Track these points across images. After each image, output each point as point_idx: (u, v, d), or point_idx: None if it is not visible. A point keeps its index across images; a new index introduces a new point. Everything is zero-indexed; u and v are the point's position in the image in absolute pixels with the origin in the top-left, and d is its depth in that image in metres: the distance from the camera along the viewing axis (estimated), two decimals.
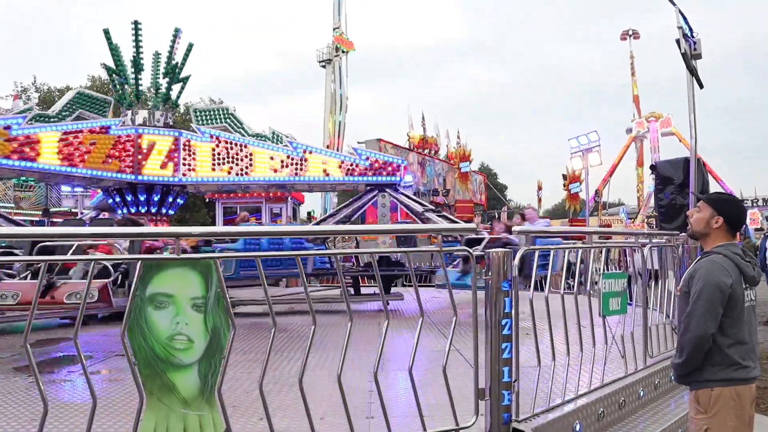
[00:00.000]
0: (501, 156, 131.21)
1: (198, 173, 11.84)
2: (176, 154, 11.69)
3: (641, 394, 4.69)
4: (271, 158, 11.84)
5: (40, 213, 23.10)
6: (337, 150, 32.21)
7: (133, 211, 11.80)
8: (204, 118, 13.37)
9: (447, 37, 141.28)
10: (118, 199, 11.97)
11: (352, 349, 3.09)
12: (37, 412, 3.46)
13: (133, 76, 12.29)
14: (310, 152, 11.97)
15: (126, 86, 12.26)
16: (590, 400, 4.06)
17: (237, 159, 11.83)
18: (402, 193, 12.20)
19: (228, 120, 13.32)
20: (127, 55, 12.33)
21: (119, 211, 11.91)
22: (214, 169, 11.82)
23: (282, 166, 11.80)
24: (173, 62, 12.68)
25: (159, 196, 11.95)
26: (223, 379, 2.74)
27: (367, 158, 11.90)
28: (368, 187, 12.11)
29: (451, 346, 3.30)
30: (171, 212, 12.61)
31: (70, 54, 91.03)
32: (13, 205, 24.03)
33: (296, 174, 11.82)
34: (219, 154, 11.84)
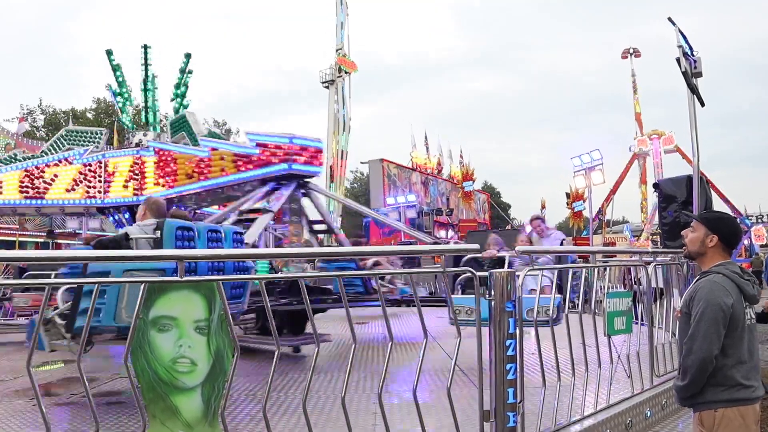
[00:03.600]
0: (501, 170, 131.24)
1: (147, 190, 11.04)
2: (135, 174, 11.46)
3: (648, 414, 4.65)
4: (188, 162, 10.39)
5: (45, 234, 23.16)
6: (341, 174, 32.31)
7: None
8: (174, 130, 13.19)
9: (445, 53, 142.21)
10: (117, 217, 12.06)
11: (356, 371, 3.08)
12: None
13: (135, 97, 12.47)
14: (215, 149, 10.02)
15: (130, 108, 12.44)
16: (597, 421, 4.03)
17: (169, 171, 10.82)
18: (315, 189, 9.36)
19: (185, 128, 12.49)
20: (131, 77, 12.55)
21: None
22: (158, 184, 10.97)
23: (196, 171, 10.30)
24: (183, 87, 12.90)
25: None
26: (227, 403, 2.73)
27: (259, 144, 9.19)
28: (275, 183, 9.03)
29: (455, 367, 3.28)
30: None
31: (75, 76, 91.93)
32: (17, 227, 24.12)
33: (205, 177, 9.97)
34: (160, 167, 10.99)
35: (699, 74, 7.35)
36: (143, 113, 12.58)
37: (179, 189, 10.53)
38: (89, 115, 41.07)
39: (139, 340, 2.61)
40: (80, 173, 11.36)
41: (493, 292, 3.24)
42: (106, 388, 5.78)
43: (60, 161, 11.46)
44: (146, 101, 12.59)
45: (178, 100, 12.98)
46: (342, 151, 34.77)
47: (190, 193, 10.67)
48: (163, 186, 10.86)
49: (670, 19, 7.44)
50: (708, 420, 2.87)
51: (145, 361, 2.62)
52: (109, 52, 12.42)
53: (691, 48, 7.37)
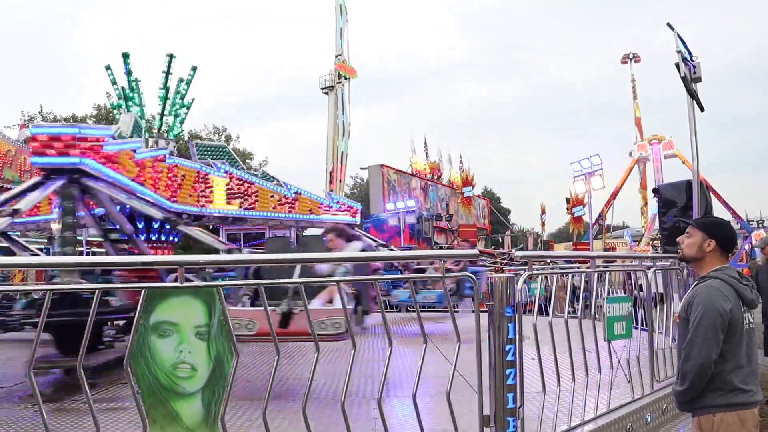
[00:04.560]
0: (501, 172, 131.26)
1: (215, 205, 12.40)
2: (197, 186, 12.08)
3: (649, 419, 4.64)
4: (272, 196, 13.16)
5: (46, 240, 23.13)
6: (340, 178, 32.55)
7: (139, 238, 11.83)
8: (204, 152, 13.70)
9: (444, 54, 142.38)
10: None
11: (355, 376, 3.09)
12: None
13: (135, 104, 12.50)
14: (299, 194, 13.73)
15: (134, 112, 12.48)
16: (597, 426, 4.03)
17: (246, 194, 12.71)
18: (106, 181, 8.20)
19: (225, 157, 14.22)
20: (129, 81, 12.60)
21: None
22: (229, 202, 12.52)
23: (279, 204, 13.25)
24: (186, 96, 13.00)
25: (158, 224, 12.02)
26: (227, 408, 2.74)
27: (338, 202, 14.28)
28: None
29: (455, 372, 3.29)
30: (175, 240, 12.69)
31: (75, 77, 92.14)
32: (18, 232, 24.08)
33: (290, 211, 13.43)
34: (231, 188, 12.59)
35: (698, 79, 7.38)
36: (159, 121, 12.65)
37: (260, 213, 12.82)
38: (90, 122, 41.13)
39: (140, 345, 2.62)
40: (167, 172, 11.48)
41: (493, 297, 3.25)
42: (107, 393, 5.78)
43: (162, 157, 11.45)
44: (164, 108, 12.67)
45: (185, 110, 13.10)
46: (342, 157, 34.81)
47: (268, 219, 13.59)
48: (238, 206, 12.40)
49: (669, 24, 7.46)
50: (706, 424, 2.87)
51: (145, 366, 2.62)
52: (107, 67, 12.53)
53: (690, 53, 7.40)
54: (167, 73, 12.61)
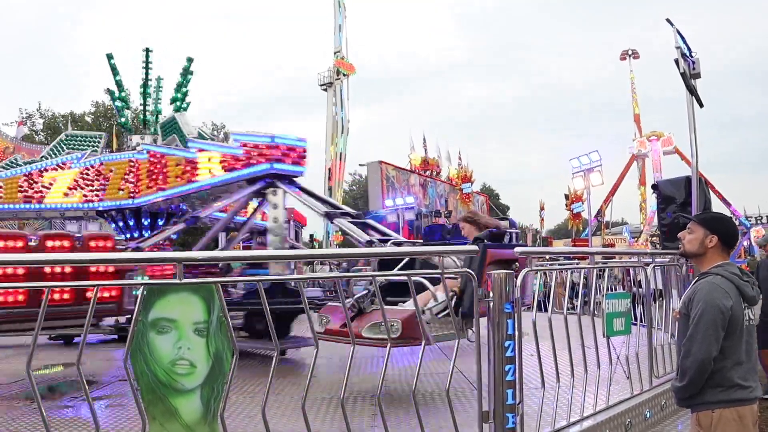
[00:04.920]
0: (501, 172, 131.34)
1: (144, 192, 10.88)
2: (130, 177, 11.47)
3: (647, 415, 4.65)
4: (177, 164, 9.96)
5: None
6: (339, 178, 32.28)
7: (136, 236, 11.83)
8: (166, 132, 13.21)
9: (445, 54, 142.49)
10: (121, 224, 12.02)
11: (355, 373, 3.08)
12: None
13: (133, 100, 12.47)
14: (201, 150, 9.58)
15: (128, 111, 12.45)
16: (596, 422, 4.03)
17: (157, 175, 10.50)
18: (302, 188, 8.89)
19: (176, 131, 12.62)
20: (130, 80, 12.57)
21: None
22: (152, 187, 10.62)
23: (182, 174, 9.83)
24: (184, 90, 12.92)
25: (163, 221, 12.00)
26: (226, 404, 2.73)
27: (243, 144, 8.79)
28: (259, 180, 8.66)
29: (454, 369, 3.29)
30: (175, 237, 12.66)
31: (75, 77, 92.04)
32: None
33: (189, 181, 9.50)
34: (153, 170, 10.69)
35: (697, 75, 7.35)
36: (141, 116, 12.57)
37: (169, 192, 10.23)
38: (88, 119, 41.03)
39: (139, 342, 2.61)
40: (78, 177, 11.35)
41: (492, 293, 3.24)
42: (106, 390, 5.78)
43: (58, 165, 11.49)
44: (145, 104, 12.59)
45: (177, 103, 13.01)
46: (340, 154, 34.79)
47: (180, 196, 10.32)
48: (155, 189, 10.59)
49: (668, 20, 7.44)
50: (705, 421, 2.87)
51: (144, 363, 2.62)
52: (109, 56, 12.46)
53: (689, 49, 7.38)
54: (146, 67, 12.55)
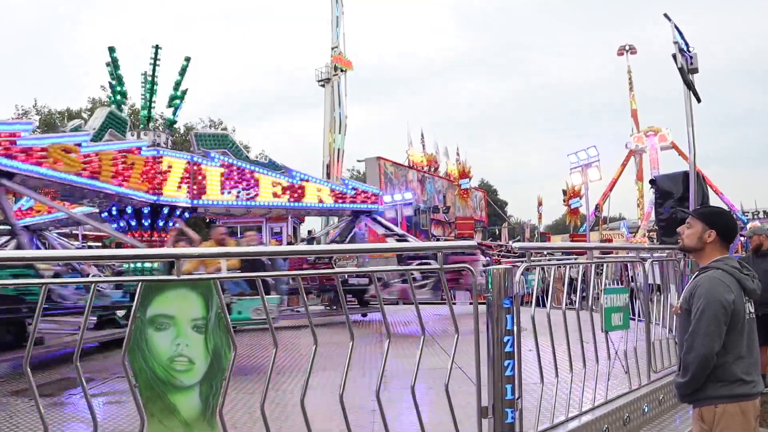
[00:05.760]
0: (501, 172, 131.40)
1: (209, 196, 12.13)
2: (188, 177, 11.87)
3: (646, 410, 4.66)
4: (273, 184, 12.80)
5: None
6: (336, 174, 32.44)
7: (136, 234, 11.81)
8: (204, 142, 13.43)
9: (445, 53, 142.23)
10: (122, 223, 11.98)
11: (354, 368, 3.08)
12: None
13: (128, 97, 12.41)
14: (307, 180, 13.34)
15: (125, 107, 12.39)
16: (594, 417, 4.04)
17: (247, 183, 12.44)
18: (376, 220, 14.57)
19: (228, 146, 13.57)
20: (128, 79, 12.53)
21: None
22: (222, 193, 12.22)
23: (282, 192, 12.89)
24: (181, 87, 12.90)
25: (163, 222, 11.96)
26: (225, 401, 2.73)
27: (354, 188, 14.12)
28: (351, 213, 14.34)
29: (453, 364, 3.28)
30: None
31: (75, 77, 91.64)
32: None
33: (295, 200, 13.06)
34: (228, 178, 12.29)
35: (695, 70, 7.35)
36: (146, 113, 12.54)
37: (261, 203, 12.74)
38: (85, 116, 40.89)
39: (137, 339, 2.61)
40: (146, 165, 11.26)
41: (491, 289, 3.24)
42: (104, 387, 5.77)
43: (135, 149, 11.17)
44: (150, 100, 12.59)
45: (176, 101, 12.99)
46: (338, 150, 34.74)
47: (273, 209, 13.58)
48: (235, 197, 12.32)
49: (666, 15, 7.44)
50: (708, 415, 2.86)
51: (142, 359, 2.61)
52: (111, 49, 12.43)
53: (687, 44, 7.37)
54: (154, 64, 12.52)
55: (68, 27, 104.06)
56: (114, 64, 12.49)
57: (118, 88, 12.62)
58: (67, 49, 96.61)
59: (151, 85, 12.56)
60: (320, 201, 13.38)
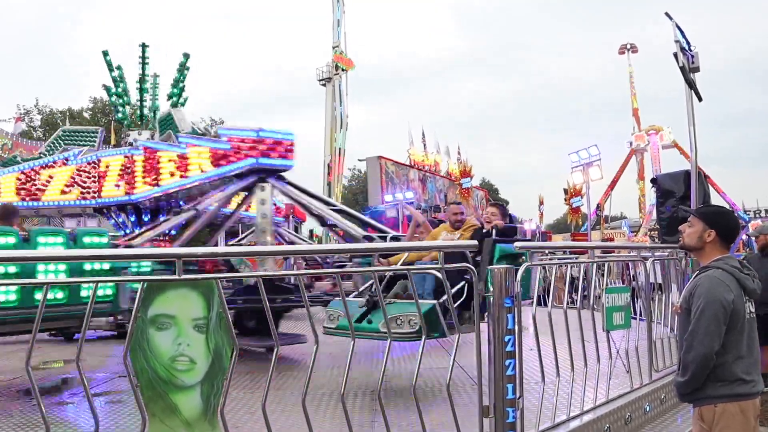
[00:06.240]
0: (501, 172, 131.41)
1: (111, 191, 11.18)
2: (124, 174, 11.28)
3: (647, 409, 4.66)
4: (170, 161, 9.78)
5: None
6: (338, 173, 32.23)
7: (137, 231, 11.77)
8: (164, 126, 13.09)
9: (445, 53, 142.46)
10: (121, 221, 11.99)
11: (355, 369, 3.08)
12: None
13: (133, 96, 12.43)
14: (191, 146, 9.41)
15: (127, 107, 12.40)
16: (596, 416, 4.03)
17: (151, 171, 10.41)
18: (291, 183, 8.64)
19: (171, 125, 12.44)
20: (130, 77, 12.54)
21: None
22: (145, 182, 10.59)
23: (178, 168, 9.71)
24: (180, 86, 12.90)
25: (165, 218, 11.93)
26: (226, 400, 2.73)
27: (230, 139, 8.57)
28: (248, 176, 8.47)
29: (454, 364, 3.28)
30: (172, 233, 12.62)
31: (75, 77, 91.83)
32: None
33: (182, 176, 9.47)
34: (128, 167, 10.88)
35: (696, 69, 7.35)
36: (138, 111, 12.54)
37: (163, 188, 10.13)
38: (86, 115, 40.92)
39: (138, 338, 2.61)
40: (75, 174, 11.29)
41: (492, 288, 3.24)
42: (106, 387, 5.77)
43: (56, 162, 11.44)
44: (142, 99, 12.57)
45: (174, 99, 13.01)
46: (340, 149, 34.71)
47: (174, 191, 10.19)
48: (150, 185, 10.45)
49: (667, 14, 7.43)
50: (708, 415, 2.86)
51: (144, 359, 2.61)
52: (105, 53, 12.43)
53: (688, 43, 7.37)
54: (143, 62, 12.54)
55: (68, 27, 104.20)
56: (108, 67, 12.52)
57: (113, 90, 12.65)
58: (67, 49, 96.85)
59: (141, 84, 12.57)
60: (201, 171, 9.02)
